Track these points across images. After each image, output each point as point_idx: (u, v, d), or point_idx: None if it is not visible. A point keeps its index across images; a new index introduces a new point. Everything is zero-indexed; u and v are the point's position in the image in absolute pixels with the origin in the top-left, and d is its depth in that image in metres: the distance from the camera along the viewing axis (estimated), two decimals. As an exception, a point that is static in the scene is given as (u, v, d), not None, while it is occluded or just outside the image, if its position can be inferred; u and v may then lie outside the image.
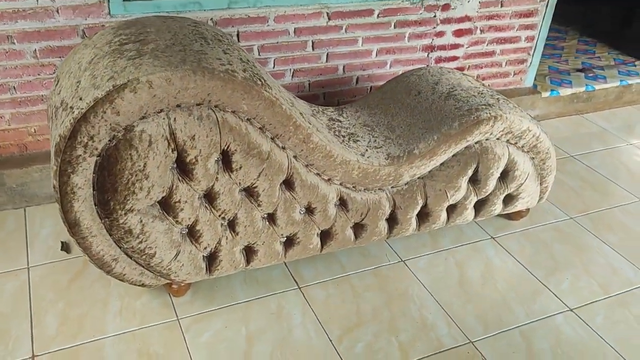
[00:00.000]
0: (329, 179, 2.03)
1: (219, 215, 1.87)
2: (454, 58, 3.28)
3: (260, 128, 1.80)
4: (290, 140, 1.86)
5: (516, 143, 2.31)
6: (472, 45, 3.29)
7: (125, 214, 1.72)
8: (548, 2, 3.34)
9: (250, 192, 1.89)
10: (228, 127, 1.71)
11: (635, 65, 4.24)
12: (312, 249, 2.15)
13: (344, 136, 2.21)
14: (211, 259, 1.98)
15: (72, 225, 1.72)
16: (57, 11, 2.28)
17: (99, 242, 1.77)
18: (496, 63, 3.45)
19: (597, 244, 2.56)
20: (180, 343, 1.92)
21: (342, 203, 2.09)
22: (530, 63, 3.56)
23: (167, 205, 1.78)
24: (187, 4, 2.47)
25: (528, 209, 2.64)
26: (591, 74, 3.99)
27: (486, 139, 2.24)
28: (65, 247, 2.28)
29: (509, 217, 2.66)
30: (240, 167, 1.80)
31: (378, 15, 2.91)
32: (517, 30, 3.37)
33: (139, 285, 1.95)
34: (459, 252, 2.46)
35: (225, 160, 1.78)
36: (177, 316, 2.03)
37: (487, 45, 3.34)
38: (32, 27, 2.27)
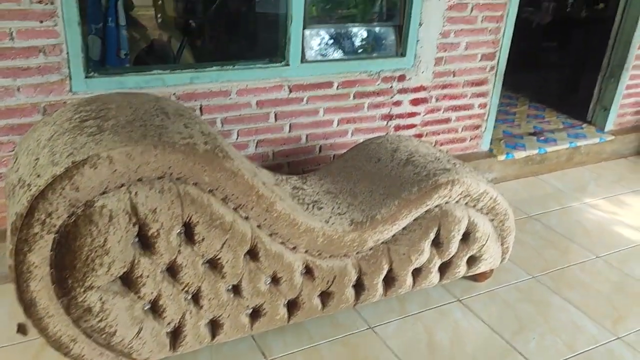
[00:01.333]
0: (294, 247, 2.03)
1: (183, 289, 1.84)
2: (412, 126, 3.40)
3: (222, 199, 1.81)
4: (254, 210, 1.88)
5: (475, 205, 2.38)
6: (429, 113, 3.42)
7: (85, 291, 1.68)
8: (497, 71, 3.53)
9: (214, 264, 1.87)
10: (190, 199, 1.72)
11: (582, 128, 4.46)
12: (279, 320, 2.11)
13: (308, 204, 2.23)
14: (175, 335, 1.93)
15: (28, 305, 1.66)
16: (18, 89, 2.29)
17: (56, 322, 1.71)
18: (452, 129, 3.58)
19: (560, 302, 2.60)
20: None
21: (308, 271, 2.09)
22: (485, 128, 3.72)
23: (128, 281, 1.74)
24: (149, 80, 2.52)
25: (492, 270, 2.68)
26: (542, 137, 4.17)
27: (446, 203, 2.30)
28: (21, 329, 2.18)
29: (474, 278, 2.69)
30: (203, 239, 1.79)
31: (337, 87, 3.02)
32: (470, 98, 3.54)
33: (98, 367, 1.86)
34: (426, 316, 2.45)
35: (188, 232, 1.77)
36: (138, 398, 1.94)
37: (442, 112, 3.48)
38: (-8, 106, 2.27)
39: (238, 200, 1.84)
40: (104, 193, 1.62)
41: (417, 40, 3.15)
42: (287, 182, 2.39)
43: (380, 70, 3.11)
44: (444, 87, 3.39)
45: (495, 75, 3.56)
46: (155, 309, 1.83)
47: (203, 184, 1.76)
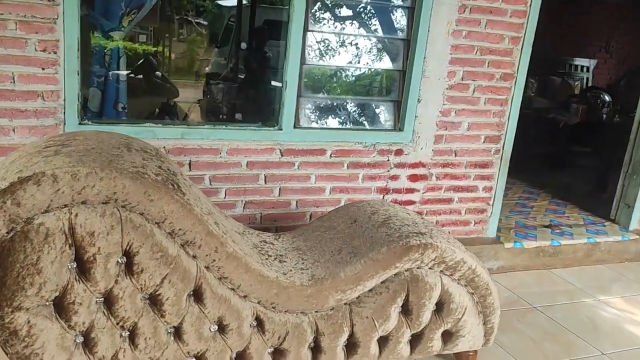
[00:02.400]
0: (244, 296, 1.96)
1: (118, 323, 1.78)
2: (411, 202, 3.34)
3: (169, 233, 1.79)
4: (202, 248, 1.84)
5: (451, 275, 2.25)
6: (429, 191, 3.37)
7: (12, 312, 1.64)
8: (502, 155, 3.49)
9: (154, 300, 1.81)
10: (131, 226, 1.71)
11: (604, 225, 4.26)
12: (224, 375, 1.99)
13: (270, 256, 2.18)
14: (107, 375, 1.83)
15: (-45, 321, 1.63)
16: (14, 130, 2.43)
17: (-18, 343, 1.67)
18: (455, 210, 3.49)
19: (550, 395, 2.34)
20: None
21: (259, 323, 1.99)
22: (491, 213, 3.60)
23: (60, 307, 1.70)
24: (140, 131, 2.62)
25: (475, 353, 2.47)
26: (558, 230, 4.00)
27: (417, 267, 2.19)
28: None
29: (456, 360, 2.49)
30: (142, 270, 1.75)
31: (331, 155, 3.05)
32: (473, 179, 3.47)
33: (23, 401, 1.78)
34: (395, 394, 2.25)
35: (128, 262, 1.74)
36: None
37: (444, 192, 3.42)
38: (-13, 142, 2.40)
39: (186, 237, 1.81)
40: (46, 212, 1.63)
41: (416, 117, 3.17)
42: (257, 236, 2.35)
43: (376, 143, 3.13)
44: (445, 165, 3.36)
45: (501, 160, 3.51)
46: (86, 342, 1.77)
47: (149, 215, 1.75)
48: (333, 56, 3.01)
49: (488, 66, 3.27)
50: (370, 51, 3.13)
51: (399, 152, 3.21)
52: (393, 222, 2.32)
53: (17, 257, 1.61)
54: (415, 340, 2.27)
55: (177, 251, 1.80)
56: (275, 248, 2.29)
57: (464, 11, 3.10)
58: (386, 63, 3.19)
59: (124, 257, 1.74)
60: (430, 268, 2.21)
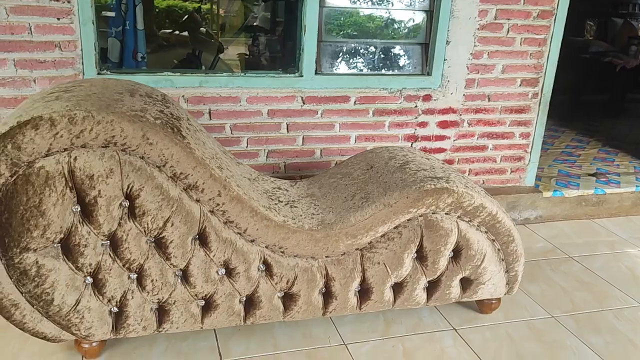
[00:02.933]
0: (252, 240, 1.95)
1: (124, 265, 1.81)
2: (441, 150, 3.22)
3: (170, 177, 1.79)
4: (204, 192, 1.83)
5: (470, 221, 2.16)
6: (460, 138, 3.23)
7: (20, 252, 1.70)
8: (541, 99, 3.28)
9: (158, 243, 1.83)
10: (131, 169, 1.71)
11: (658, 174, 3.99)
12: (234, 317, 2.01)
13: (281, 201, 2.15)
14: (118, 316, 1.89)
15: (-29, 262, 1.71)
16: (34, 81, 2.47)
17: (-3, 283, 1.74)
18: (489, 158, 3.34)
19: (576, 345, 2.24)
20: (70, 405, 1.78)
21: (267, 267, 1.98)
22: (529, 161, 3.43)
23: (66, 248, 1.75)
24: (159, 80, 2.62)
25: (498, 300, 2.39)
26: (603, 179, 3.77)
27: (432, 213, 2.10)
28: None
29: (479, 309, 2.41)
30: (144, 213, 1.76)
31: (355, 102, 2.95)
32: (509, 125, 3.30)
33: (40, 338, 1.86)
34: (411, 340, 2.22)
35: (130, 204, 1.76)
36: (79, 378, 1.91)
37: (477, 139, 3.27)
38: (11, 94, 2.46)
39: (188, 180, 1.80)
40: (46, 156, 1.66)
41: (445, 60, 3.02)
42: (271, 183, 2.33)
43: (403, 88, 3.00)
44: (478, 111, 3.20)
45: (540, 104, 3.30)
46: (95, 283, 1.81)
47: (149, 159, 1.74)
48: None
49: (524, 3, 3.05)
50: (394, -10, 2.97)
51: (427, 98, 3.07)
52: (409, 167, 2.23)
53: (20, 199, 1.65)
54: (432, 287, 2.21)
55: (179, 194, 1.80)
56: (288, 194, 2.26)
57: (497, -57, 2.88)
58: (412, 3, 3.03)
59: (127, 201, 1.75)
60: (446, 213, 2.13)
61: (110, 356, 2.02)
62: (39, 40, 2.43)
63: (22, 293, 1.77)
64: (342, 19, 2.90)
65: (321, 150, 3.00)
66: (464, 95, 3.14)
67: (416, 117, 3.10)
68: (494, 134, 3.29)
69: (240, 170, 2.17)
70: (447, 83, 3.07)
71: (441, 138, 3.19)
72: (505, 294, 2.35)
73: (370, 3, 2.97)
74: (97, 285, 1.82)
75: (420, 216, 2.10)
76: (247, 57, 5.32)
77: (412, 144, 3.15)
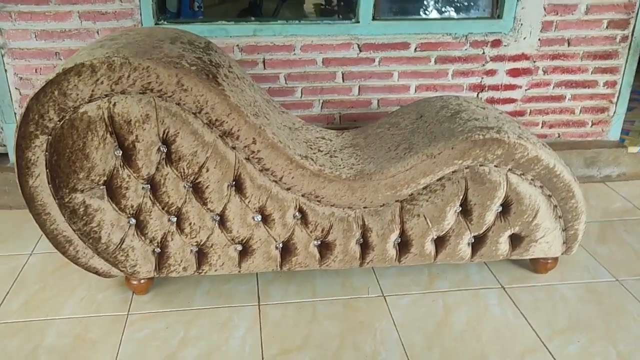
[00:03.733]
0: (288, 188, 1.95)
1: (163, 208, 1.89)
2: (511, 100, 3.01)
3: (206, 123, 1.81)
4: (240, 139, 1.84)
5: (523, 174, 2.02)
6: (533, 87, 3.00)
7: (69, 192, 1.82)
8: (631, 43, 2.95)
9: (195, 188, 1.88)
10: (167, 114, 1.76)
11: None
12: (271, 262, 2.05)
13: (321, 151, 2.13)
14: (160, 256, 1.99)
15: (28, 200, 1.85)
16: (97, 32, 2.58)
17: (52, 220, 1.88)
18: (567, 109, 3.09)
19: (638, 311, 2.07)
20: (116, 335, 1.93)
21: (302, 215, 1.98)
22: (614, 112, 3.13)
23: (110, 190, 1.85)
24: (213, 30, 2.64)
25: (555, 260, 2.24)
26: None
27: (480, 165, 1.99)
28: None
29: (533, 268, 2.29)
30: (180, 158, 1.82)
31: (415, 49, 2.82)
32: (591, 73, 3.01)
33: (93, 272, 2.01)
34: (453, 295, 2.15)
35: (167, 149, 1.81)
36: (128, 312, 2.04)
37: (552, 88, 3.02)
38: (77, 45, 2.59)
39: (223, 127, 1.82)
40: (89, 101, 1.74)
41: (518, 1, 2.78)
42: (317, 132, 2.30)
43: (469, 33, 2.82)
44: (555, 57, 2.94)
45: (629, 48, 2.97)
46: (138, 224, 1.91)
47: (185, 105, 1.78)
48: None
49: None
50: None
51: (496, 43, 2.86)
52: (460, 117, 2.11)
53: (67, 142, 1.75)
54: (478, 243, 2.11)
55: (214, 141, 1.82)
56: (331, 144, 2.23)
57: None
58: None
59: (164, 146, 1.81)
60: (496, 166, 2.00)
61: (157, 294, 2.14)
62: (101, -9, 2.52)
63: (74, 230, 1.91)
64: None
65: (378, 101, 2.91)
66: (539, 39, 2.89)
67: (483, 65, 2.90)
68: (573, 82, 3.02)
69: (281, 118, 2.16)
70: (519, 27, 2.83)
71: (511, 87, 2.98)
72: (562, 254, 2.20)
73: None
74: (140, 226, 1.92)
75: (466, 168, 1.99)
76: (322, 7, 5.21)
77: (477, 94, 2.97)
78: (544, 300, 2.13)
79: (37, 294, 2.13)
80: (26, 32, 2.56)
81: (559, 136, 3.15)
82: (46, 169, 1.80)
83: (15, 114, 2.69)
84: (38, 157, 1.79)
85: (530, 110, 3.05)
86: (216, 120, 1.81)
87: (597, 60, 2.98)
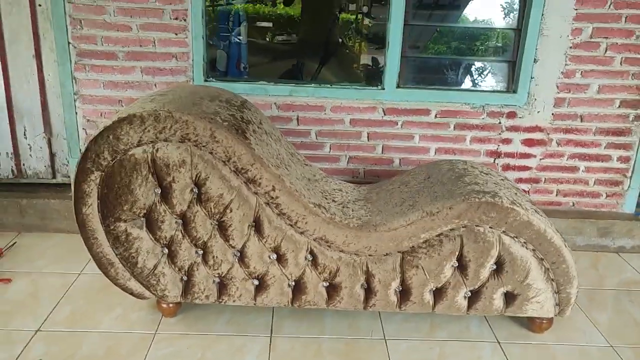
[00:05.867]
0: (302, 232, 2.21)
1: (191, 241, 2.18)
2: (525, 168, 3.21)
3: (234, 171, 2.12)
4: (261, 186, 2.13)
5: (516, 237, 2.21)
6: (548, 157, 3.19)
7: (115, 221, 2.14)
8: (644, 122, 3.12)
9: (220, 225, 2.17)
10: (201, 160, 2.07)
11: None
12: (283, 299, 2.28)
13: (335, 201, 2.38)
14: (187, 283, 2.26)
15: (80, 225, 2.18)
16: (155, 85, 2.98)
17: (99, 244, 2.20)
18: (580, 180, 3.25)
19: (623, 376, 2.18)
20: (142, 351, 2.19)
21: (313, 257, 2.23)
22: (629, 186, 3.26)
23: (149, 221, 2.15)
24: (254, 89, 2.99)
25: (550, 321, 2.38)
26: None
27: (476, 225, 2.20)
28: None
29: (529, 327, 2.43)
30: (208, 199, 2.11)
31: (435, 116, 3.08)
32: (605, 148, 3.19)
33: (129, 293, 2.30)
34: (450, 346, 2.32)
35: (199, 190, 2.12)
36: (156, 331, 2.31)
37: (566, 159, 3.21)
38: (137, 94, 2.99)
39: (248, 175, 2.11)
40: (137, 146, 2.08)
41: (532, 78, 3.02)
42: (335, 184, 2.57)
43: (486, 104, 3.06)
44: (568, 131, 3.14)
45: (643, 127, 3.14)
46: (170, 253, 2.20)
47: (216, 154, 2.09)
48: (438, 15, 3.00)
49: (625, 22, 2.94)
50: (481, 9, 3.05)
51: (511, 115, 3.09)
52: (463, 180, 2.34)
53: (115, 179, 2.08)
54: (474, 297, 2.29)
55: (239, 186, 2.12)
56: (346, 196, 2.49)
57: (593, -40, 2.83)
58: (498, 21, 3.07)
59: (196, 187, 2.12)
60: (491, 227, 2.20)
61: (184, 318, 2.40)
62: (161, 51, 2.92)
63: (115, 254, 2.21)
64: (424, 36, 3.04)
65: (400, 160, 3.17)
66: (552, 114, 3.10)
67: (499, 134, 3.13)
68: (586, 155, 3.19)
69: (303, 170, 2.44)
70: (533, 101, 3.06)
71: (526, 156, 3.18)
72: (555, 315, 2.34)
73: (454, 21, 3.08)
74: (171, 256, 2.21)
75: (463, 227, 2.20)
76: (369, 67, 5.57)
77: (494, 160, 3.18)
78: (535, 358, 2.26)
79: (80, 308, 2.44)
80: (96, 82, 2.98)
81: (573, 205, 3.30)
82: (97, 199, 2.13)
83: (80, 150, 3.09)
84: (92, 189, 2.12)
85: (545, 178, 3.23)
86: (242, 168, 2.11)
87: (610, 136, 3.15)
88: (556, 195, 3.27)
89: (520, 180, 3.21)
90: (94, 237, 2.20)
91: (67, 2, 2.83)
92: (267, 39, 6.03)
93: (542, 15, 2.91)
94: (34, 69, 3.01)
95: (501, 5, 3.08)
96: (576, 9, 2.91)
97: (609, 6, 2.91)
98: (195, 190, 2.12)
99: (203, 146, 2.08)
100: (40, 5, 2.93)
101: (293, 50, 4.62)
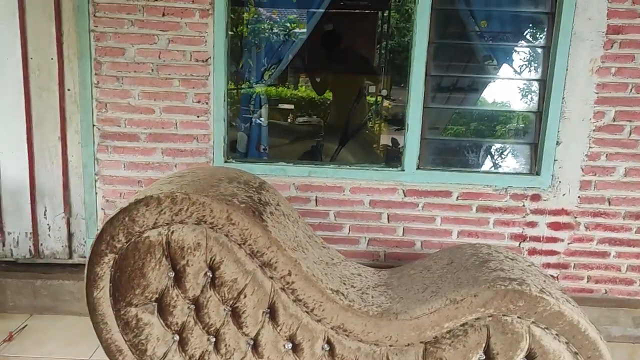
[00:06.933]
0: (319, 320, 2.11)
1: (203, 328, 2.09)
2: (553, 252, 3.09)
3: (249, 254, 2.06)
4: (277, 270, 2.06)
5: (547, 328, 2.07)
6: (576, 242, 3.08)
7: (125, 306, 2.07)
8: (675, 206, 3.02)
9: (234, 312, 2.08)
10: (216, 243, 2.02)
11: None
12: (297, 392, 2.14)
13: (354, 287, 2.29)
14: (197, 372, 2.15)
15: (91, 309, 2.12)
16: (175, 166, 3.00)
17: (108, 329, 2.12)
18: (612, 266, 3.11)
19: None
20: None
21: (330, 347, 2.11)
22: (664, 274, 3.11)
23: (160, 307, 2.08)
24: (274, 169, 2.99)
25: (587, 423, 2.18)
26: None
27: (503, 315, 2.07)
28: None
29: None
30: (222, 284, 2.04)
31: (457, 198, 3.03)
32: (635, 232, 3.07)
33: (135, 382, 2.19)
34: None
35: (212, 274, 2.05)
36: None
37: (596, 244, 3.08)
38: (157, 175, 3.01)
39: (263, 258, 2.05)
40: (153, 228, 2.05)
41: (555, 160, 2.98)
42: (354, 268, 2.48)
43: (508, 187, 3.01)
44: (596, 215, 3.04)
45: (674, 212, 3.03)
46: (180, 340, 2.11)
47: (232, 236, 2.04)
48: (457, 98, 3.02)
49: (648, 104, 2.92)
50: (500, 92, 3.06)
51: (535, 198, 3.02)
52: (488, 266, 2.24)
53: (129, 261, 2.04)
54: (502, 394, 2.12)
55: (254, 270, 2.05)
56: (366, 281, 2.40)
57: (611, 46, 2.85)
58: (519, 104, 3.07)
59: (210, 271, 2.05)
60: (519, 317, 2.07)
61: (191, 410, 2.26)
62: (182, 133, 2.97)
63: (125, 341, 2.13)
64: (443, 118, 3.05)
65: (422, 243, 3.08)
66: (578, 197, 3.02)
67: (524, 217, 3.04)
68: (617, 240, 3.07)
69: (320, 253, 2.37)
70: (558, 184, 3.00)
71: (553, 240, 3.07)
72: (594, 416, 2.15)
73: (475, 104, 3.09)
74: (181, 343, 2.11)
75: (489, 316, 2.08)
76: (389, 147, 5.62)
77: (519, 244, 3.08)
78: None
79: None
80: (118, 162, 3.01)
81: (605, 292, 3.14)
82: (110, 283, 2.08)
83: (97, 230, 3.08)
84: (104, 272, 2.07)
85: (574, 264, 3.10)
86: (257, 251, 2.05)
87: (641, 220, 3.04)
88: (587, 281, 3.12)
89: (548, 265, 3.09)
90: (103, 322, 2.12)
91: (94, 87, 2.92)
92: (289, 121, 6.18)
93: (563, 98, 2.90)
94: (58, 151, 3.07)
95: (519, 87, 3.09)
96: (597, 93, 2.91)
97: (630, 90, 2.90)
98: (210, 274, 2.06)
99: (219, 228, 2.04)
100: (69, 90, 3.02)
101: (314, 131, 4.69)
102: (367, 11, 6.41)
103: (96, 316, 2.12)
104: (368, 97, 5.32)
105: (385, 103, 5.06)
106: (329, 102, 6.35)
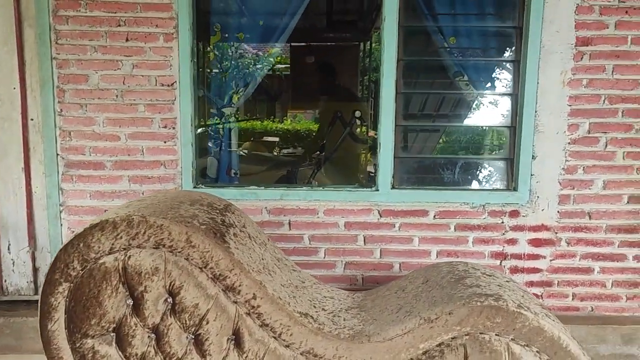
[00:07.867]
0: (287, 345, 1.99)
1: (164, 358, 1.96)
2: (536, 270, 3.00)
3: (211, 277, 1.95)
4: (241, 294, 1.95)
5: (527, 345, 1.97)
6: (558, 258, 3.00)
7: (81, 337, 1.95)
8: (656, 217, 2.96)
9: (196, 339, 1.96)
10: (175, 267, 1.92)
11: None
12: None
13: (325, 310, 2.18)
14: (159, 408, 2.01)
15: (45, 343, 1.99)
16: (142, 193, 2.91)
17: (63, 364, 2.00)
18: (597, 282, 3.02)
19: None
20: None
21: (300, 375, 1.99)
22: (651, 289, 3.03)
23: (118, 337, 1.96)
24: (245, 193, 2.91)
25: None
26: None
27: (480, 333, 1.97)
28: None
29: None
30: (182, 310, 1.93)
31: (434, 217, 2.95)
32: (618, 247, 2.99)
33: (93, 421, 2.04)
34: None
35: (173, 300, 1.94)
36: None
37: (579, 260, 3.00)
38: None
39: (226, 282, 1.95)
40: (109, 253, 1.94)
41: (532, 175, 2.92)
42: (327, 292, 2.38)
43: (486, 203, 2.93)
44: (577, 229, 2.97)
45: (657, 224, 2.97)
46: (140, 373, 1.98)
47: (193, 260, 1.94)
48: (429, 115, 2.98)
49: (622, 116, 2.88)
50: (472, 107, 3.02)
51: (514, 214, 2.95)
52: (464, 283, 2.15)
53: (84, 290, 1.92)
54: (484, 418, 2.00)
55: (216, 294, 1.94)
56: (338, 304, 2.29)
57: (582, 58, 2.83)
58: (492, 119, 3.03)
59: (170, 297, 1.94)
60: (497, 335, 1.97)
61: None
62: (149, 160, 2.89)
63: (80, 377, 1.99)
64: (416, 136, 3.00)
65: (400, 264, 2.99)
66: (558, 212, 2.95)
67: (503, 234, 2.96)
68: (600, 255, 2.99)
69: (289, 276, 2.27)
70: (536, 199, 2.93)
71: (534, 257, 2.99)
72: None
73: (447, 120, 3.04)
74: (141, 376, 1.98)
75: (466, 335, 1.97)
76: (370, 174, 5.56)
77: (500, 262, 2.99)
78: None
79: None
80: (83, 192, 2.92)
81: (592, 310, 3.04)
82: (65, 314, 1.96)
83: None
84: (59, 303, 1.96)
85: (558, 281, 3.01)
86: (220, 274, 1.95)
87: (623, 233, 2.97)
88: (572, 299, 3.03)
89: (531, 283, 2.99)
90: (59, 357, 1.99)
91: (57, 115, 2.85)
92: (275, 153, 6.13)
93: (536, 112, 2.87)
94: (22, 182, 2.98)
95: (491, 102, 3.06)
96: (570, 105, 2.87)
97: (604, 101, 2.87)
98: (170, 300, 1.95)
99: (178, 252, 1.94)
100: (32, 119, 2.95)
101: (294, 160, 4.64)
102: (350, 43, 6.48)
103: (51, 350, 1.99)
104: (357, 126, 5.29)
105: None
106: (314, 134, 6.33)
